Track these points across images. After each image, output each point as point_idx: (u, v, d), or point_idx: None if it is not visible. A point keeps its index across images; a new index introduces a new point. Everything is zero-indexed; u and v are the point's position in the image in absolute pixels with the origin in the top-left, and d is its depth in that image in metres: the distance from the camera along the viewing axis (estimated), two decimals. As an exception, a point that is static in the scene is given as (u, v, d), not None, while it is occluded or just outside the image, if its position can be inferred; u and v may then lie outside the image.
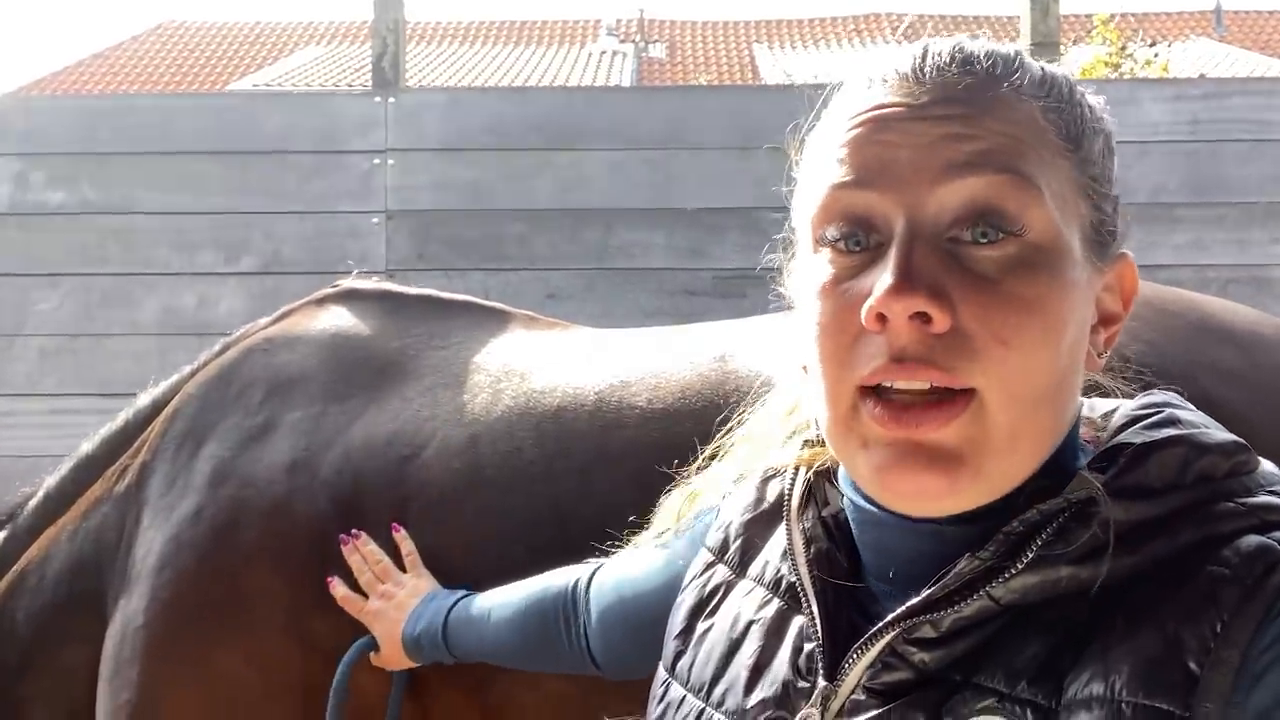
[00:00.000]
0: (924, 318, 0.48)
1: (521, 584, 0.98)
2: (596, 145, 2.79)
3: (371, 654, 1.15)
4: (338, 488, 1.24)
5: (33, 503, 1.43)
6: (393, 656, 1.12)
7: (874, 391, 0.50)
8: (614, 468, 1.16)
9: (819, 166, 0.55)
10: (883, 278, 0.48)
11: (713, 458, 0.76)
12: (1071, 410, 0.53)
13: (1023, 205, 0.49)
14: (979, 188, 0.49)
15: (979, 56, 0.53)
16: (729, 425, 0.74)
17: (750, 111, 2.72)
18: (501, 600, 0.99)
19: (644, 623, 0.75)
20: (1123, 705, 0.44)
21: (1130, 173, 2.77)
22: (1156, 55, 6.78)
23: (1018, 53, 0.55)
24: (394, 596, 1.13)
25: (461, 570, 1.16)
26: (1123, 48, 6.66)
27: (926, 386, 0.48)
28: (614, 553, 0.89)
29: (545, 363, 1.30)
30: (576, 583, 0.90)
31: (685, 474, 0.76)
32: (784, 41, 15.40)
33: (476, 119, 2.83)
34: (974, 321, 0.48)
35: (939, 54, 0.53)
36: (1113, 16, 6.92)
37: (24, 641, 1.34)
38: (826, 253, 0.53)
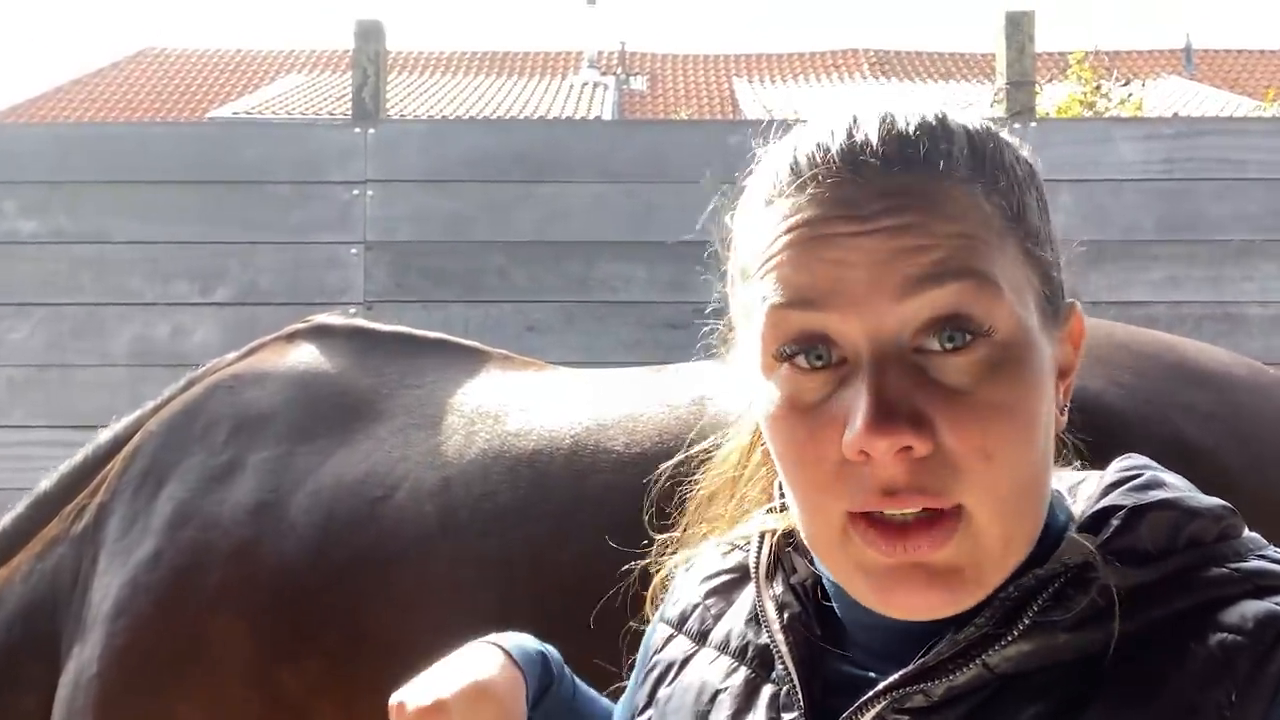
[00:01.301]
0: (908, 449, 0.47)
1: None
2: (577, 177, 2.79)
3: None
4: (306, 530, 1.21)
5: (-13, 542, 1.39)
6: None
7: (863, 515, 0.48)
8: (590, 512, 1.14)
9: (757, 274, 0.51)
10: (859, 411, 0.47)
11: (685, 516, 0.73)
12: (1050, 478, 0.53)
13: (987, 307, 0.48)
14: (941, 299, 0.48)
15: (911, 139, 0.50)
16: (690, 492, 0.71)
17: (730, 145, 2.73)
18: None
19: None
20: None
21: (1105, 211, 2.80)
22: (1130, 95, 6.90)
23: (942, 117, 0.52)
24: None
25: (433, 616, 1.14)
26: (1097, 87, 6.78)
27: (918, 510, 0.47)
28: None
29: (520, 404, 1.28)
30: None
31: (666, 540, 0.72)
32: (764, 75, 15.59)
33: (457, 150, 2.83)
34: (953, 438, 0.47)
35: (868, 141, 0.50)
36: (1087, 55, 7.05)
37: (-26, 687, 1.29)
38: (784, 369, 0.50)
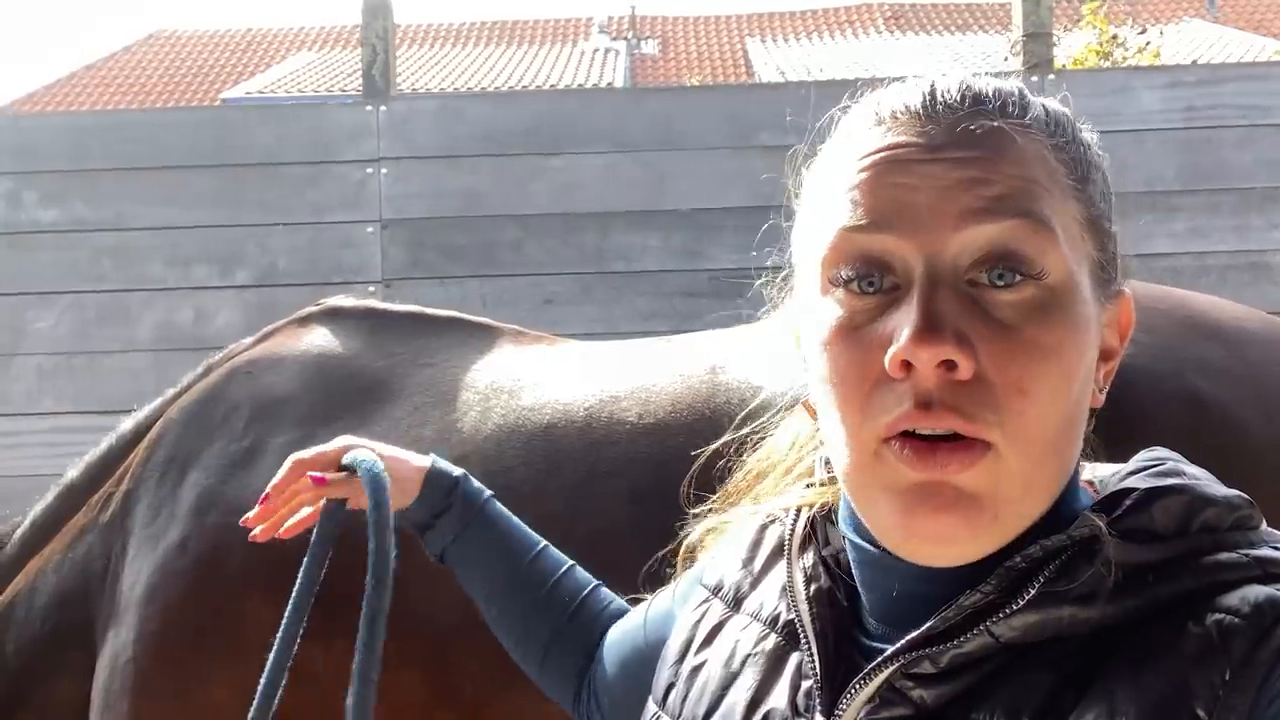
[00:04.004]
0: (949, 365, 0.48)
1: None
2: (589, 148, 2.78)
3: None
4: None
5: (19, 532, 1.42)
6: (401, 489, 0.90)
7: (897, 436, 0.49)
8: (605, 484, 1.15)
9: (827, 205, 0.54)
10: (906, 324, 0.48)
11: (727, 490, 0.76)
12: (1077, 450, 0.53)
13: (1041, 249, 0.50)
14: (998, 233, 0.49)
15: (988, 95, 0.53)
16: (741, 456, 0.73)
17: (743, 110, 2.71)
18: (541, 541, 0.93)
19: (632, 661, 0.75)
20: None
21: (1126, 162, 2.76)
22: (1148, 43, 6.75)
23: (1022, 90, 0.55)
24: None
25: (456, 589, 1.15)
26: (1113, 35, 6.63)
27: (949, 432, 0.48)
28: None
29: (534, 379, 1.28)
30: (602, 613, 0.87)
31: (704, 509, 0.75)
32: (777, 34, 15.37)
33: (468, 125, 2.82)
34: (994, 369, 0.48)
35: (948, 91, 0.53)
36: (1102, 3, 6.89)
37: (14, 674, 1.33)
38: (839, 294, 0.52)
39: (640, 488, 1.14)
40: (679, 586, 0.75)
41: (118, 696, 1.20)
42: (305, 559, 0.88)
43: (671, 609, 0.73)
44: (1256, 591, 0.47)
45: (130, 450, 1.37)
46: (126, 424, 1.41)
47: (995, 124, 0.51)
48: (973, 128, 0.51)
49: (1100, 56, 6.41)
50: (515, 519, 0.93)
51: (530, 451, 1.20)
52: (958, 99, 0.53)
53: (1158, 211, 2.76)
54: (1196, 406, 1.04)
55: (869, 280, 0.51)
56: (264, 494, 0.91)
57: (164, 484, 1.28)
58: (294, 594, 0.88)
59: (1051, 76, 2.86)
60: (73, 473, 1.41)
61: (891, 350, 0.48)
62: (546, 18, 17.28)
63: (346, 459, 0.90)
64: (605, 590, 0.89)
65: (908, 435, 0.49)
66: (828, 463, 0.63)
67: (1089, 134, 0.57)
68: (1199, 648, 0.46)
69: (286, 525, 0.93)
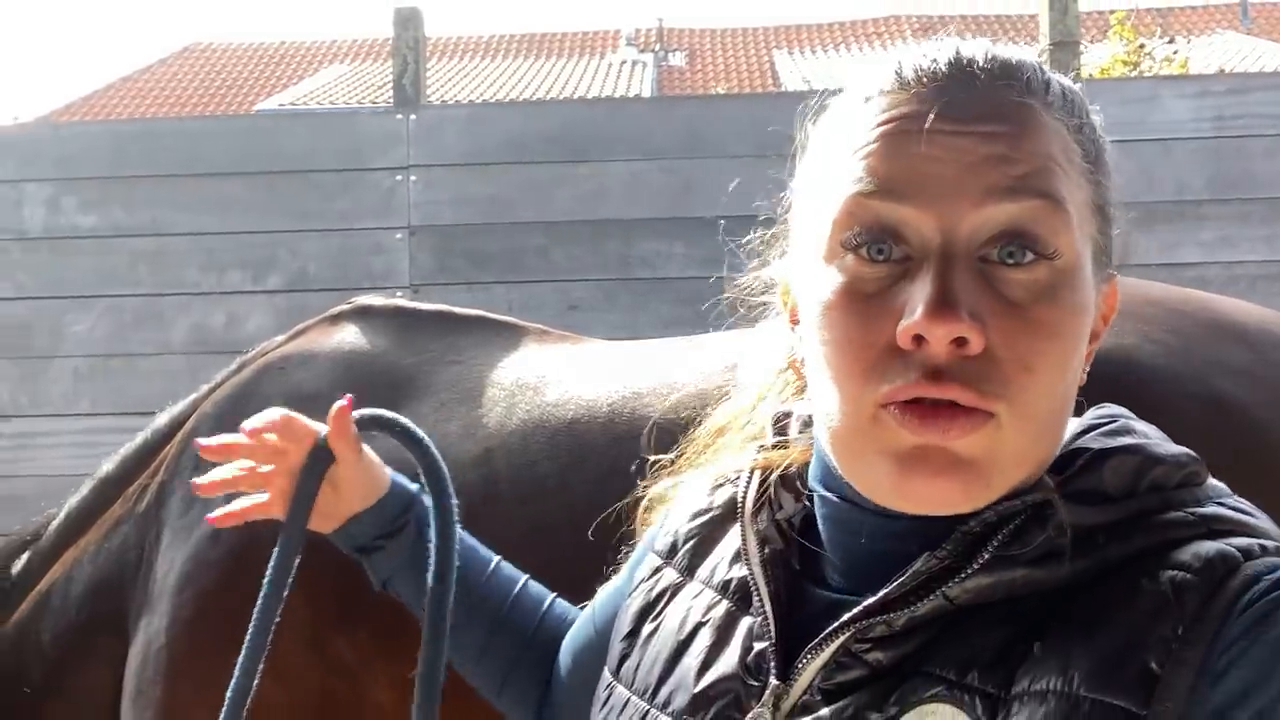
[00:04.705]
0: (961, 341, 0.48)
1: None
2: (616, 156, 2.80)
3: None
4: None
5: (55, 523, 1.45)
6: (344, 501, 0.82)
7: (898, 402, 0.50)
8: (629, 478, 1.17)
9: (840, 167, 0.53)
10: (921, 299, 0.48)
11: (675, 460, 0.75)
12: (1066, 428, 0.54)
13: (1055, 230, 0.50)
14: (1017, 213, 0.50)
15: (1017, 66, 0.52)
16: (692, 428, 0.73)
17: (769, 119, 2.72)
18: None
19: (584, 653, 0.74)
20: (1080, 700, 0.45)
21: (1154, 171, 2.74)
22: (1176, 53, 6.70)
23: (1039, 63, 0.54)
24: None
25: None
26: (1140, 45, 6.58)
27: (950, 400, 0.49)
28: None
29: (558, 376, 1.30)
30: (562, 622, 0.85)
31: (651, 478, 0.75)
32: (803, 46, 15.38)
33: (496, 133, 2.85)
34: (1003, 346, 0.49)
35: (976, 59, 0.52)
36: (1130, 13, 6.85)
37: (49, 662, 1.36)
38: (847, 259, 0.51)
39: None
40: (631, 557, 0.74)
41: (150, 683, 1.23)
42: (289, 510, 0.80)
43: (622, 587, 0.72)
44: (1208, 547, 0.48)
45: (165, 444, 1.40)
46: (162, 418, 1.45)
47: (1023, 99, 0.51)
48: (1001, 102, 0.51)
49: (1128, 67, 6.36)
50: (470, 537, 0.86)
51: (555, 446, 1.22)
52: (987, 68, 0.51)
53: (1186, 221, 2.74)
54: (1218, 407, 1.04)
55: (880, 248, 0.51)
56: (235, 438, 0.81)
57: (198, 476, 1.31)
58: (275, 556, 0.81)
59: (1079, 85, 2.85)
60: (108, 466, 1.44)
61: (905, 323, 0.48)
62: (574, 30, 17.41)
63: (368, 413, 0.81)
64: (562, 602, 0.86)
65: (910, 401, 0.49)
66: (779, 426, 0.63)
67: (1098, 116, 0.57)
68: (1152, 603, 0.47)
69: (243, 506, 0.85)
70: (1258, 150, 2.74)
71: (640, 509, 0.74)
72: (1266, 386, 1.06)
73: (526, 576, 0.87)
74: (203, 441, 0.85)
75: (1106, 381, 1.09)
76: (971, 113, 0.50)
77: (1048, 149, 0.51)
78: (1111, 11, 7.11)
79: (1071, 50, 3.00)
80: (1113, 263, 0.56)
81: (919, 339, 0.48)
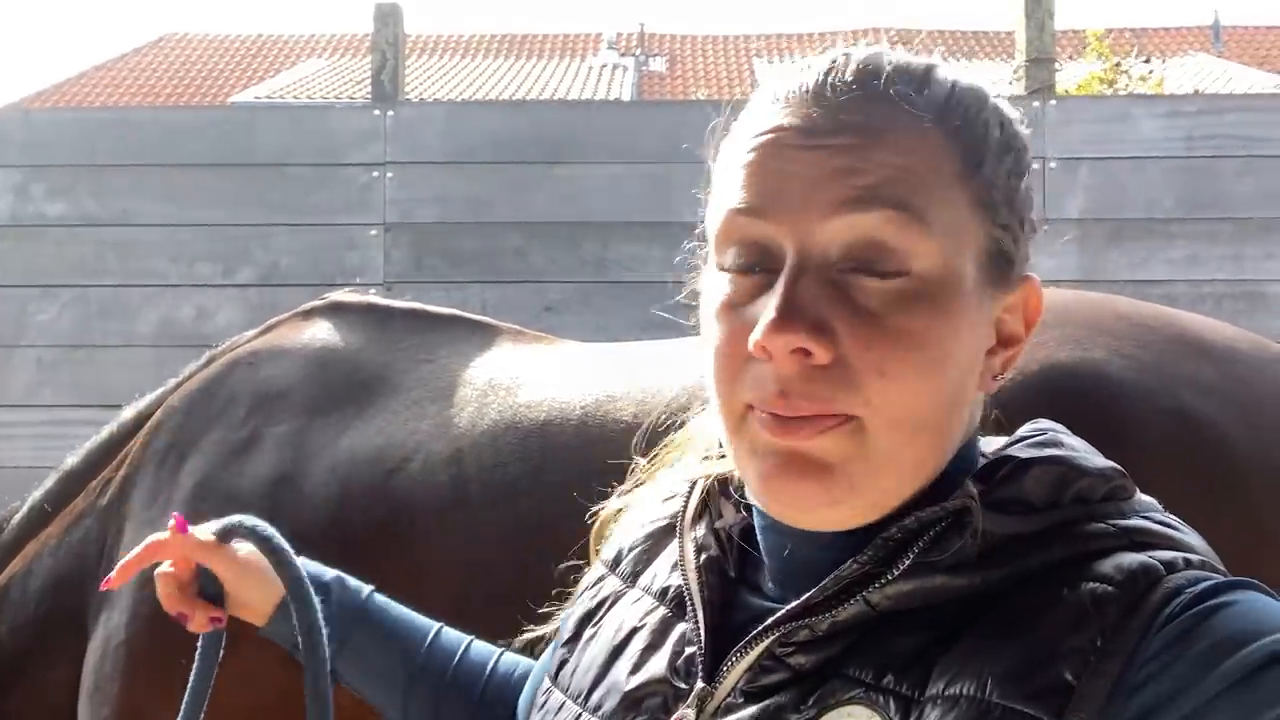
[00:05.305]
0: (805, 352, 0.49)
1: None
2: (595, 159, 2.80)
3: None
4: (323, 502, 1.23)
5: (17, 517, 1.43)
6: (257, 603, 0.82)
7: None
8: (599, 482, 1.16)
9: (724, 184, 0.55)
10: (766, 311, 0.50)
11: (644, 467, 0.76)
12: (959, 431, 0.54)
13: (908, 241, 0.50)
14: (865, 225, 0.50)
15: (883, 75, 0.52)
16: (656, 446, 0.74)
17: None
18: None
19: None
20: (992, 706, 0.45)
21: (1126, 188, 2.78)
22: (1151, 72, 6.80)
23: (929, 68, 0.54)
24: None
25: (449, 584, 1.16)
26: (1117, 64, 6.68)
27: (807, 415, 0.50)
28: None
29: (531, 377, 1.30)
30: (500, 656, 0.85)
31: (615, 494, 0.75)
32: (783, 55, 15.46)
33: (475, 132, 2.84)
34: (856, 354, 0.49)
35: (840, 71, 0.53)
36: (1108, 32, 6.94)
37: (7, 656, 1.33)
38: (727, 272, 0.54)
39: (634, 487, 1.15)
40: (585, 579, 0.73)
41: (108, 679, 1.21)
42: (188, 693, 0.82)
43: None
44: (1130, 558, 0.48)
45: (130, 437, 1.38)
46: (128, 411, 1.43)
47: (877, 109, 0.51)
48: (853, 114, 0.51)
49: (1104, 85, 6.46)
50: (402, 608, 0.86)
51: (526, 448, 1.21)
52: (847, 80, 0.52)
53: (1155, 238, 2.78)
54: (1185, 422, 1.06)
55: (749, 262, 0.53)
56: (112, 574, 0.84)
57: (162, 470, 1.29)
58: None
59: (1053, 102, 2.89)
60: (72, 459, 1.42)
61: (752, 336, 0.50)
62: (555, 33, 17.39)
63: (222, 524, 0.82)
64: (510, 655, 0.85)
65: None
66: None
67: (1008, 115, 0.56)
68: (1071, 613, 0.47)
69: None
70: (1228, 171, 2.78)
71: (597, 525, 0.75)
72: (1233, 403, 1.08)
73: (470, 639, 0.86)
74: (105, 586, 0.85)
75: (1076, 395, 1.10)
76: (824, 126, 0.51)
77: (902, 158, 0.51)
78: (1084, 30, 7.21)
79: (1047, 66, 3.04)
80: (1020, 268, 0.55)
81: (767, 349, 0.50)
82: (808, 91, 0.53)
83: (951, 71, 0.55)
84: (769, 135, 0.53)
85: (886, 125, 0.51)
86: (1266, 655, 0.43)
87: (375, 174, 2.82)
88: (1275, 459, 1.06)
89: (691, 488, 0.64)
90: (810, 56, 0.56)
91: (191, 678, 0.82)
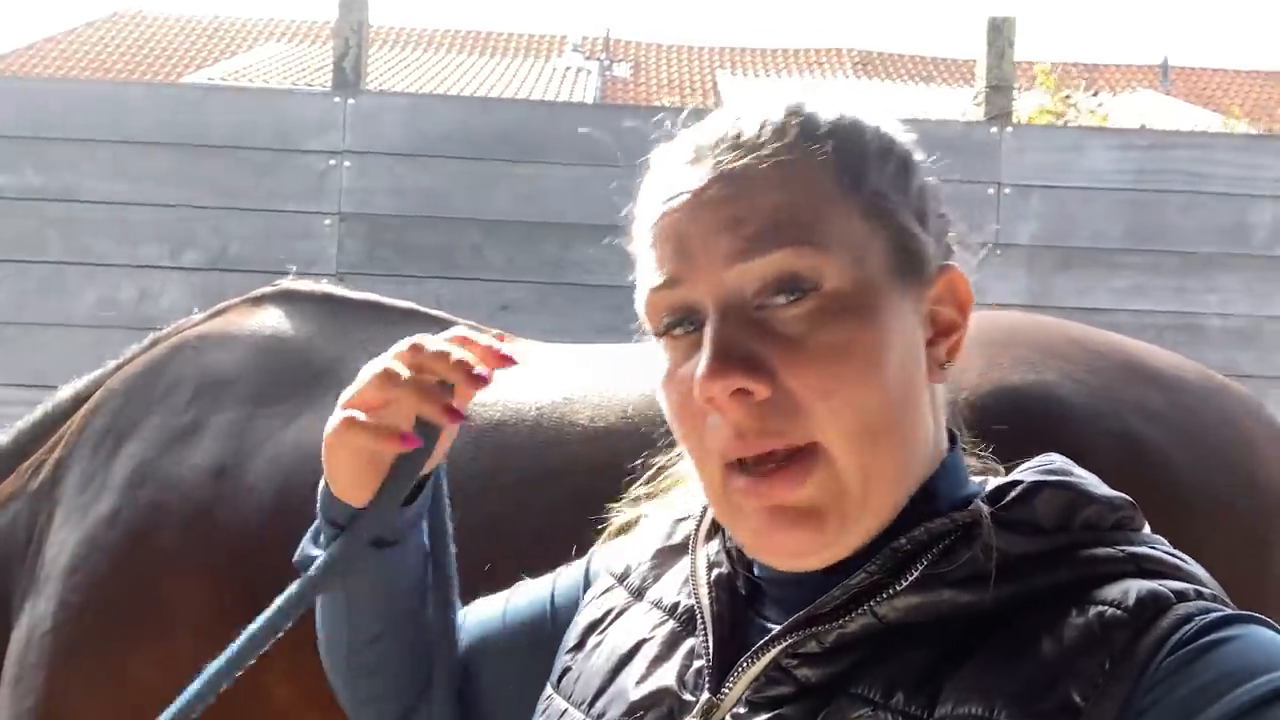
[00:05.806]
0: (745, 391, 0.51)
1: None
2: (557, 159, 2.79)
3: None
4: (264, 494, 1.20)
5: (-57, 497, 1.37)
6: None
7: (737, 464, 0.53)
8: (553, 485, 1.15)
9: (643, 257, 0.57)
10: (700, 363, 0.51)
11: (654, 486, 0.76)
12: (926, 426, 0.55)
13: (811, 265, 0.52)
14: (765, 265, 0.52)
15: (747, 129, 0.55)
16: (669, 458, 0.74)
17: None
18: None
19: (519, 641, 0.71)
20: None
21: (1074, 217, 2.85)
22: (1100, 105, 6.98)
23: (795, 105, 0.56)
24: None
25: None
26: (1066, 97, 6.84)
27: (767, 451, 0.51)
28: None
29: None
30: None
31: (623, 501, 0.75)
32: (747, 68, 15.59)
33: (437, 125, 2.81)
34: (793, 380, 0.51)
35: (715, 131, 0.56)
36: (1055, 66, 7.11)
37: (-73, 642, 1.28)
38: (666, 340, 0.56)
39: (586, 491, 1.14)
40: (589, 565, 0.73)
41: (32, 669, 1.17)
42: (375, 499, 0.66)
43: (543, 595, 0.73)
44: (1139, 585, 0.49)
45: (67, 418, 1.33)
46: (64, 392, 1.37)
47: (755, 155, 0.54)
48: (727, 167, 0.54)
49: (1053, 117, 6.61)
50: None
51: (479, 448, 1.19)
52: (721, 137, 0.55)
53: (1101, 268, 2.85)
54: (1132, 446, 1.08)
55: (676, 319, 0.55)
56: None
57: (98, 454, 1.25)
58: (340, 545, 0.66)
59: (1010, 129, 2.95)
60: (3, 439, 1.36)
61: (694, 390, 0.52)
62: (520, 32, 17.33)
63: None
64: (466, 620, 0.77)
65: (743, 468, 0.52)
66: None
67: (884, 121, 0.58)
68: (1080, 636, 0.47)
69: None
70: (1174, 205, 2.86)
71: (605, 534, 0.75)
72: (1179, 429, 1.11)
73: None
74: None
75: (1027, 416, 1.12)
76: (706, 183, 0.54)
77: (780, 196, 0.53)
78: (1037, 63, 7.38)
79: (1006, 94, 3.10)
80: (934, 261, 0.56)
81: (711, 397, 0.51)
82: (690, 155, 0.56)
83: (814, 98, 0.57)
84: (664, 206, 0.55)
85: (758, 171, 0.53)
86: (1272, 691, 0.43)
87: (332, 162, 2.78)
88: (1217, 487, 1.09)
89: (705, 507, 0.64)
90: (690, 124, 0.59)
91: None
